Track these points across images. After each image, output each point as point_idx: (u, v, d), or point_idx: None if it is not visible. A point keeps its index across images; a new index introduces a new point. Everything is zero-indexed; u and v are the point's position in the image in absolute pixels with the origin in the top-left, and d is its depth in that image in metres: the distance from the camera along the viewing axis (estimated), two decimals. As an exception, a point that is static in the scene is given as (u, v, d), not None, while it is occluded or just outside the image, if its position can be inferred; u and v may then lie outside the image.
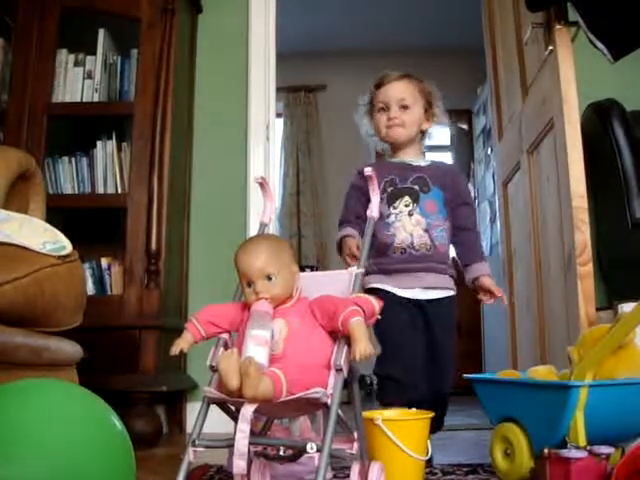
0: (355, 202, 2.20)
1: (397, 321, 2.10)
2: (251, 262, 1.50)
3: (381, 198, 1.93)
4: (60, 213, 2.60)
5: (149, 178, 2.65)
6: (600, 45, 2.17)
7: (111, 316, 2.54)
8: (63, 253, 1.85)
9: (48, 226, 1.93)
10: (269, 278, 1.49)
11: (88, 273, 2.68)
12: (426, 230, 2.11)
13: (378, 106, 2.22)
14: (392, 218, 2.14)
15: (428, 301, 2.13)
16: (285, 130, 6.18)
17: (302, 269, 1.69)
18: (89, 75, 2.86)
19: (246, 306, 1.52)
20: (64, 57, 2.86)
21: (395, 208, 2.14)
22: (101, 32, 2.91)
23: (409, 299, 2.13)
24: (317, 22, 5.51)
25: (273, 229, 2.73)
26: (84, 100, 2.84)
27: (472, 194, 2.14)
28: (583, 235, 2.14)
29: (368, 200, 1.76)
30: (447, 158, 6.02)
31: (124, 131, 2.87)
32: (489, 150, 4.63)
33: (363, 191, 1.97)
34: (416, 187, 2.15)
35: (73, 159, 2.82)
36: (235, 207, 3.13)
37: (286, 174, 6.08)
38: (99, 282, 2.74)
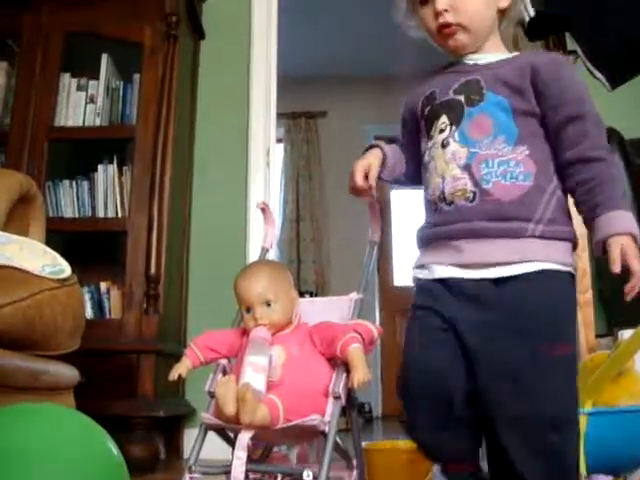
0: (404, 137, 1.61)
1: (420, 334, 1.40)
2: (250, 288, 1.50)
3: (419, 129, 1.49)
4: (60, 236, 2.59)
5: (149, 202, 2.65)
6: (598, 74, 2.20)
7: (109, 340, 2.53)
8: (62, 276, 1.85)
9: (48, 249, 1.93)
10: (268, 304, 1.50)
11: (87, 297, 2.67)
12: (466, 167, 1.35)
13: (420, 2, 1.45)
14: (426, 157, 1.46)
15: (480, 283, 1.34)
16: (285, 156, 6.20)
17: (301, 295, 1.69)
18: (91, 99, 2.87)
19: (245, 332, 1.52)
20: (67, 81, 2.88)
21: (431, 139, 1.44)
22: (104, 57, 2.93)
23: (446, 282, 1.38)
24: (318, 49, 5.54)
25: (272, 254, 2.73)
26: (86, 124, 2.85)
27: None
28: (582, 263, 2.14)
29: (415, 139, 1.51)
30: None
31: (125, 155, 2.87)
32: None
33: (408, 128, 1.57)
34: (460, 97, 1.41)
35: (74, 182, 2.82)
36: (235, 232, 3.13)
37: (286, 200, 6.10)
38: (98, 306, 2.73)
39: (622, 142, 2.67)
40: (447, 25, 1.42)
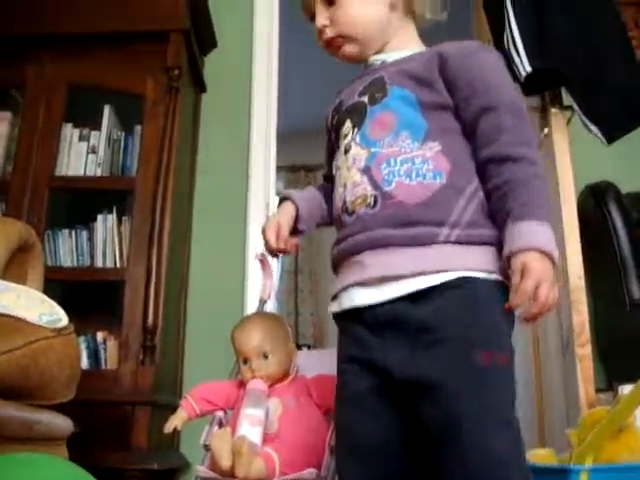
0: (326, 164, 1.49)
1: (339, 382, 1.27)
2: (248, 340, 1.50)
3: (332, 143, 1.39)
4: (58, 285, 2.59)
5: (148, 253, 2.65)
6: (594, 129, 2.22)
7: (104, 391, 2.50)
8: (59, 325, 1.83)
9: (45, 298, 1.93)
10: (265, 356, 1.49)
11: (83, 346, 2.65)
12: (365, 169, 1.22)
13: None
14: (334, 169, 1.35)
15: (395, 305, 1.16)
16: (285, 208, 6.22)
17: (299, 348, 1.68)
18: (93, 150, 2.89)
19: (242, 384, 1.51)
20: (69, 131, 2.90)
21: (338, 149, 1.33)
22: (106, 108, 2.96)
23: (350, 313, 1.22)
24: (317, 103, 5.58)
25: (270, 306, 2.72)
26: (87, 174, 2.87)
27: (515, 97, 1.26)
28: (581, 317, 2.13)
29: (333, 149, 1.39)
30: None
31: (125, 206, 2.88)
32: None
33: (329, 149, 1.45)
34: (364, 98, 1.29)
35: (73, 232, 2.83)
36: (233, 283, 3.12)
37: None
38: (94, 356, 2.71)
39: (619, 196, 2.69)
40: (331, 40, 1.35)
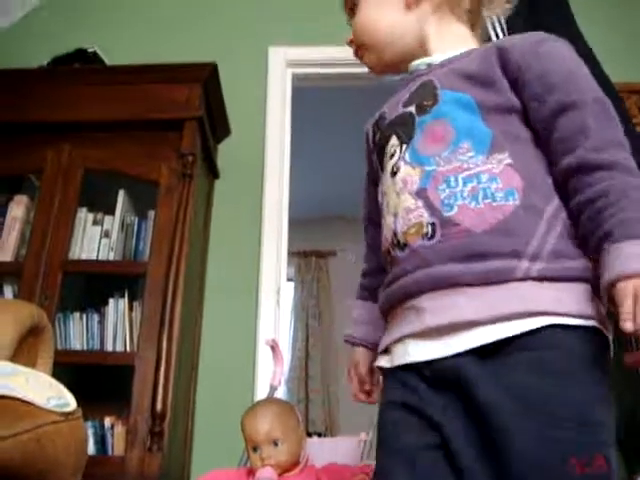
0: (367, 205, 1.30)
1: (387, 441, 1.05)
2: (257, 427, 1.49)
3: (374, 163, 1.20)
4: (67, 369, 2.57)
5: (159, 338, 2.64)
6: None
7: (111, 478, 2.46)
8: (67, 410, 1.82)
9: (54, 381, 1.91)
10: (275, 444, 1.47)
11: (90, 432, 2.62)
12: (420, 192, 1.02)
13: None
14: (379, 198, 1.15)
15: (459, 360, 0.95)
16: (295, 295, 6.23)
17: (309, 435, 1.66)
18: (106, 234, 2.92)
19: (251, 472, 1.49)
20: (84, 216, 2.94)
21: (383, 171, 1.14)
22: (121, 193, 3.00)
23: (418, 370, 1.01)
24: (328, 190, 5.67)
25: (281, 393, 2.69)
26: (100, 258, 2.89)
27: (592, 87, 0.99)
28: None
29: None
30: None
31: (136, 290, 2.89)
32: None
33: (372, 190, 1.25)
34: (410, 108, 1.10)
35: (84, 315, 2.83)
36: (243, 369, 3.09)
37: (295, 338, 6.08)
38: (100, 441, 2.67)
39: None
40: (356, 52, 1.26)
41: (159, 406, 2.53)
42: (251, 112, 3.55)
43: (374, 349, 1.22)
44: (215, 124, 3.29)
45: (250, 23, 3.76)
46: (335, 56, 3.54)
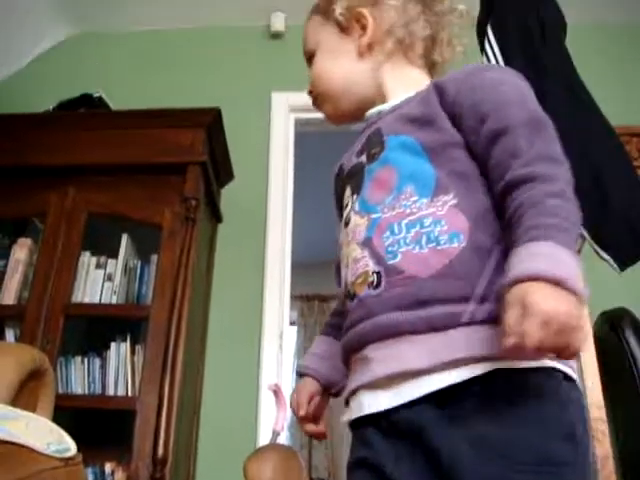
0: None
1: None
2: (260, 473, 1.47)
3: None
4: (68, 413, 2.55)
5: (161, 382, 2.62)
6: (605, 256, 2.21)
7: (111, 525, 2.43)
8: (67, 455, 1.80)
9: (54, 426, 1.90)
10: (277, 488, 1.45)
11: (91, 477, 2.59)
12: (366, 241, 1.00)
13: None
14: (338, 247, 1.14)
15: (415, 411, 0.91)
16: (298, 339, 6.20)
17: (312, 481, 1.64)
18: (109, 278, 2.92)
19: (253, 516, 1.47)
20: (87, 259, 2.95)
21: (341, 222, 1.13)
22: (124, 237, 3.01)
23: (363, 423, 0.99)
24: (331, 233, 5.66)
25: (283, 438, 2.66)
26: (102, 302, 2.88)
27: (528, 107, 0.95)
28: (604, 448, 2.06)
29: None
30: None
31: (139, 334, 2.88)
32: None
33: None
34: (361, 159, 1.09)
35: (86, 359, 2.81)
36: (246, 415, 3.07)
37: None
38: (101, 488, 2.64)
39: (635, 323, 2.66)
40: (314, 103, 1.24)
41: (160, 451, 2.50)
42: (254, 157, 3.58)
43: (324, 385, 1.23)
44: (218, 168, 3.31)
45: (253, 69, 3.81)
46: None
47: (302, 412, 1.20)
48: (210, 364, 3.17)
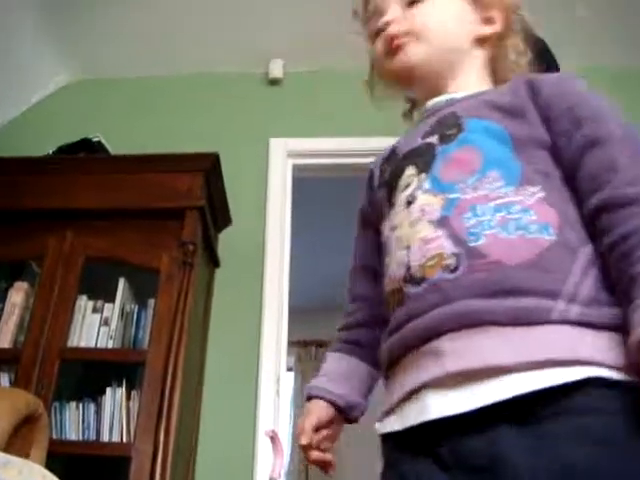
0: (361, 252, 1.22)
1: None
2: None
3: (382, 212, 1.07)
4: (62, 459, 2.52)
5: (156, 429, 2.59)
6: None
7: None
8: (60, 502, 1.78)
9: (47, 473, 1.87)
10: (274, 537, 1.43)
11: (83, 526, 2.56)
12: (441, 221, 0.90)
13: (368, 34, 1.18)
14: (384, 236, 1.04)
15: (484, 418, 0.79)
16: (295, 384, 6.16)
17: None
18: (105, 322, 2.91)
19: None
20: (83, 303, 2.93)
21: (392, 206, 1.02)
22: (121, 281, 3.00)
23: (417, 433, 0.86)
24: (328, 280, 5.65)
25: (280, 485, 2.63)
26: (98, 346, 2.86)
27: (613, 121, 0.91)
28: None
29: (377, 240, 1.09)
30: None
31: (135, 379, 2.85)
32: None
33: (371, 221, 1.15)
34: (431, 139, 1.01)
35: (80, 405, 2.78)
36: (242, 462, 3.02)
37: (295, 429, 5.97)
38: (94, 538, 2.60)
39: None
40: (393, 37, 1.08)
41: (155, 499, 2.47)
42: (252, 202, 3.58)
43: (341, 408, 1.09)
44: (216, 213, 3.32)
45: (251, 115, 3.84)
46: (334, 147, 3.62)
47: (304, 440, 1.07)
48: (207, 409, 3.14)
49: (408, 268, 0.91)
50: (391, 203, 1.02)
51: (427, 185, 0.95)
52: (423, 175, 0.96)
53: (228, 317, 3.34)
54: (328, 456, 1.09)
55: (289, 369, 5.46)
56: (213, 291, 3.39)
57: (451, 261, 0.86)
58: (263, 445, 2.95)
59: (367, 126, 3.44)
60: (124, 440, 2.70)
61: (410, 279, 0.90)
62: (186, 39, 3.80)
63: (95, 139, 3.26)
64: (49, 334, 2.79)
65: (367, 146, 3.51)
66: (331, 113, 3.75)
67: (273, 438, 1.69)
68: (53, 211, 2.99)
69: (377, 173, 1.14)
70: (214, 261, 3.41)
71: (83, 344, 2.86)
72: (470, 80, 1.11)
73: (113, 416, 2.75)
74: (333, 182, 4.30)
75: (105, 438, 2.72)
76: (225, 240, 3.49)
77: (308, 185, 3.91)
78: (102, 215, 3.00)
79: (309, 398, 1.13)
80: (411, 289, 0.90)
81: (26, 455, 2.01)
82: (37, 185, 3.05)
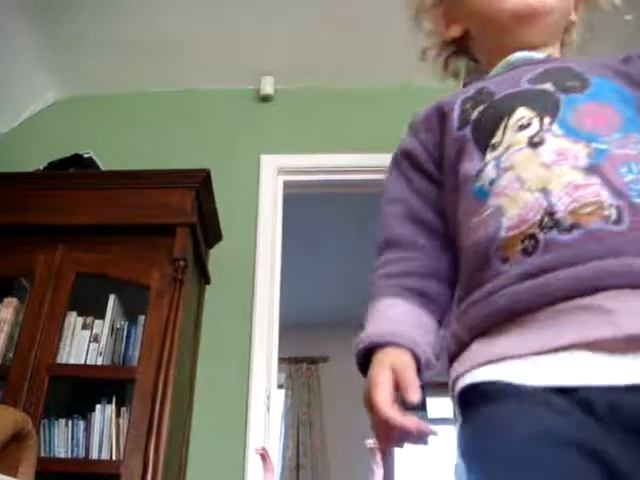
0: (405, 197, 1.07)
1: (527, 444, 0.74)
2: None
3: (458, 154, 1.00)
4: (50, 477, 2.50)
5: (146, 445, 2.57)
6: None
7: None
8: (48, 520, 1.77)
9: (36, 491, 1.86)
10: None
11: None
12: (592, 168, 0.84)
13: None
14: (484, 178, 0.92)
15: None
16: (286, 401, 6.15)
17: None
18: (95, 338, 2.89)
19: None
20: (73, 320, 2.91)
21: (493, 148, 0.93)
22: (111, 297, 2.98)
23: (567, 389, 0.76)
24: (319, 296, 5.68)
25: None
26: (88, 362, 2.84)
27: None
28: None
29: (434, 180, 1.05)
30: (451, 431, 5.93)
31: (124, 396, 2.84)
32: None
33: (423, 158, 1.07)
34: (544, 86, 0.95)
35: (70, 422, 2.76)
36: (232, 479, 3.01)
37: (286, 446, 5.96)
38: None
39: None
40: None
41: (145, 517, 2.45)
42: (243, 218, 3.59)
43: (420, 365, 0.91)
44: (207, 230, 3.32)
45: (242, 131, 3.85)
46: (325, 164, 3.63)
47: (415, 395, 0.85)
48: (196, 427, 3.13)
49: (550, 213, 0.82)
50: (487, 143, 0.95)
51: (558, 130, 0.88)
52: (547, 119, 0.90)
53: (219, 334, 3.33)
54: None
55: (280, 386, 5.45)
56: (204, 307, 3.38)
57: (611, 212, 0.79)
58: (253, 462, 2.93)
59: (357, 143, 3.45)
60: (113, 457, 2.68)
61: (554, 225, 0.81)
62: (178, 55, 3.81)
63: (86, 155, 3.26)
64: (38, 350, 2.78)
65: (358, 163, 3.53)
66: (322, 130, 3.77)
67: (263, 455, 1.68)
68: (43, 227, 2.98)
69: (457, 111, 1.03)
70: (205, 277, 3.41)
71: (72, 361, 2.84)
72: (557, 47, 1.11)
73: (102, 433, 2.74)
74: (324, 199, 4.31)
75: (94, 455, 2.70)
76: (216, 256, 3.49)
77: (299, 202, 3.92)
78: (92, 231, 2.99)
79: (391, 344, 0.92)
80: (558, 236, 0.81)
81: (14, 473, 1.99)
82: (27, 201, 3.04)
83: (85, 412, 2.79)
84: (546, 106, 0.92)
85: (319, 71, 3.76)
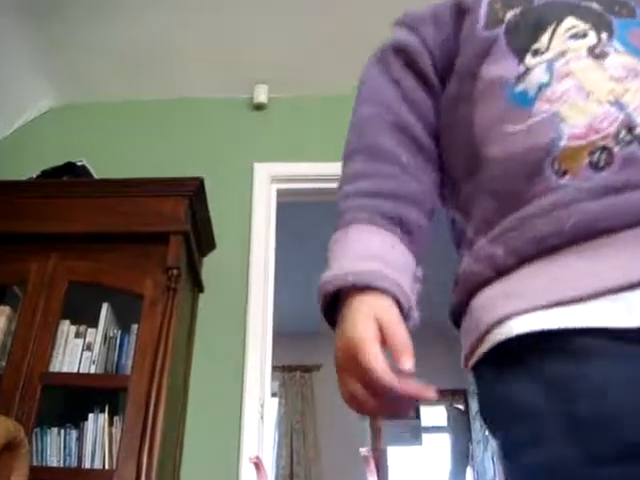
0: (393, 104, 0.96)
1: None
2: None
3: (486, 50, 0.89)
4: (42, 487, 2.50)
5: (139, 454, 2.56)
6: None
7: None
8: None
9: (28, 500, 1.86)
10: None
11: None
12: None
13: None
14: (530, 82, 0.81)
15: None
16: (279, 410, 6.15)
17: None
18: (88, 347, 2.88)
19: None
20: (66, 328, 2.90)
21: (535, 54, 0.83)
22: (104, 306, 2.98)
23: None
24: (313, 303, 5.66)
25: (263, 512, 2.61)
26: (81, 371, 2.83)
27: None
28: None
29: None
30: (444, 439, 5.94)
31: (117, 404, 2.83)
32: (487, 431, 4.57)
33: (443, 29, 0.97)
34: (591, 3, 0.86)
35: (62, 431, 2.75)
36: (226, 487, 3.01)
37: (279, 455, 5.95)
38: None
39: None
40: None
41: (137, 526, 2.45)
42: (236, 226, 3.59)
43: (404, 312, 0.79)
44: (200, 238, 3.32)
45: (236, 140, 3.86)
46: (318, 172, 3.63)
47: (410, 360, 0.72)
48: (189, 435, 3.12)
49: (628, 127, 0.73)
50: (527, 47, 0.84)
51: (619, 47, 0.80)
52: (605, 34, 0.81)
53: (212, 342, 3.33)
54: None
55: (273, 394, 5.46)
56: (197, 316, 3.38)
57: None
58: (247, 471, 2.92)
59: (351, 151, 3.45)
60: (106, 467, 2.67)
61: (634, 139, 0.73)
62: (171, 64, 3.82)
63: (79, 163, 3.26)
64: (31, 359, 2.77)
65: (351, 171, 3.52)
66: (315, 138, 3.78)
67: (257, 464, 1.68)
68: (36, 235, 2.98)
69: (484, 9, 0.92)
70: (198, 286, 3.40)
71: (65, 369, 2.83)
72: None
73: (95, 442, 2.73)
74: (317, 207, 4.32)
75: (87, 464, 2.69)
76: (209, 265, 3.49)
77: (292, 210, 3.92)
78: (85, 239, 2.99)
79: (352, 289, 0.81)
80: (619, 149, 0.72)
81: (6, 483, 1.99)
82: (20, 209, 3.04)
83: (78, 421, 2.78)
84: (599, 22, 0.83)
85: (313, 79, 3.77)
